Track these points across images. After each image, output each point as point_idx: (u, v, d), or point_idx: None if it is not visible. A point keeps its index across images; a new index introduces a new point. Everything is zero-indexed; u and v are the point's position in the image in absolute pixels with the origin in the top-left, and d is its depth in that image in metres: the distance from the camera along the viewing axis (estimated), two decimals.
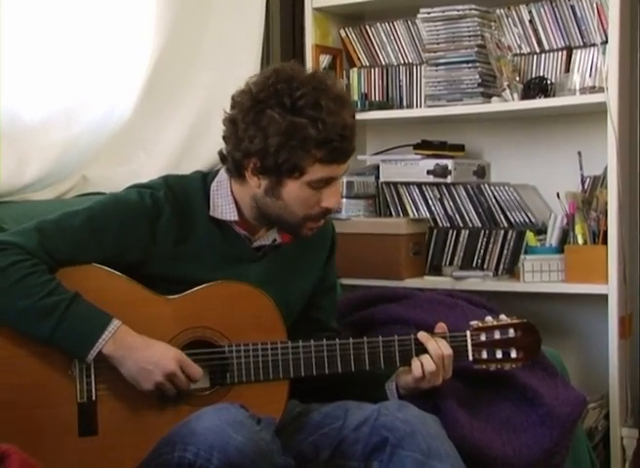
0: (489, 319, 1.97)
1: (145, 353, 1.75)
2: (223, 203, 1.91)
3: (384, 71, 3.16)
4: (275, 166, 1.81)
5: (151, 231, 1.85)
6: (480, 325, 1.95)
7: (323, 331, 2.04)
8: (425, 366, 1.87)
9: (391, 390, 1.94)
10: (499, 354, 1.94)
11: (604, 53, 2.68)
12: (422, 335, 1.91)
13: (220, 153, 1.93)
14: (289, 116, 1.78)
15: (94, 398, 1.76)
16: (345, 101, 1.86)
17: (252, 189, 1.88)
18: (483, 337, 1.94)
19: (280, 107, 1.79)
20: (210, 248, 1.90)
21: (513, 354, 1.95)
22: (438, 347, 1.89)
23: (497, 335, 1.95)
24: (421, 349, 1.90)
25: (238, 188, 1.91)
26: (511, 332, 1.95)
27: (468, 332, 1.94)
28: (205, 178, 1.95)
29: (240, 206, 1.92)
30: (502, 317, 1.98)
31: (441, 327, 1.96)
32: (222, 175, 1.94)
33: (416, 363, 1.88)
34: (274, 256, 1.97)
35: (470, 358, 1.93)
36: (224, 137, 1.89)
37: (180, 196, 1.90)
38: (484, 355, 1.94)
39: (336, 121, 1.79)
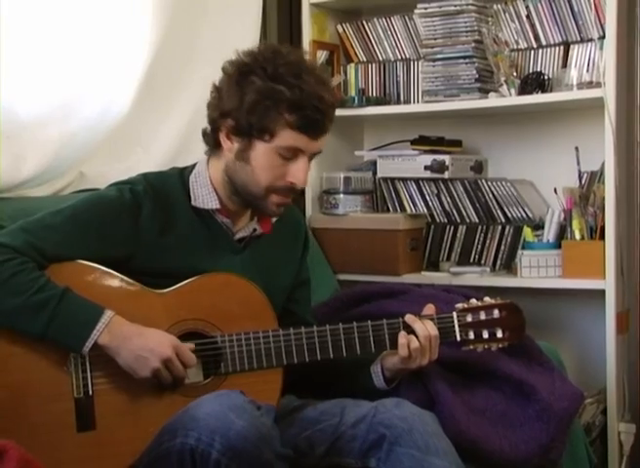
0: (473, 301, 2.01)
1: (141, 341, 1.76)
2: (204, 192, 1.94)
3: (382, 67, 3.16)
4: (248, 125, 1.85)
5: (134, 225, 1.87)
6: (466, 306, 2.00)
7: (299, 325, 2.04)
8: (411, 344, 1.89)
9: (376, 373, 1.97)
10: (485, 334, 1.98)
11: (601, 48, 2.68)
12: (409, 317, 1.94)
13: (203, 130, 1.98)
14: (269, 81, 1.83)
15: (90, 393, 1.77)
16: (327, 83, 1.91)
17: (224, 160, 1.91)
18: (469, 318, 1.98)
19: (262, 72, 1.84)
20: (193, 238, 1.92)
21: (499, 334, 1.99)
22: (425, 328, 1.92)
23: (482, 316, 1.99)
24: (410, 331, 1.92)
25: (214, 169, 1.95)
26: (496, 313, 2.00)
27: (455, 314, 1.97)
28: (182, 172, 1.99)
29: (219, 194, 1.94)
30: (487, 299, 2.03)
31: (430, 308, 1.99)
32: (200, 166, 1.98)
33: (402, 341, 1.90)
34: (255, 248, 2.00)
35: (458, 338, 1.97)
36: (208, 105, 1.95)
37: (160, 190, 1.92)
38: (471, 335, 1.98)
39: (313, 91, 1.83)
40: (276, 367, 1.87)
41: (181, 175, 1.98)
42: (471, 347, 1.99)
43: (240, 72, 1.87)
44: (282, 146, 1.85)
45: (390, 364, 1.96)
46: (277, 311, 1.99)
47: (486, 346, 1.99)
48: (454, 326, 1.97)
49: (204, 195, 1.94)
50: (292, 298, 2.11)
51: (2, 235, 1.81)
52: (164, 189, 1.93)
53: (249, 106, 1.84)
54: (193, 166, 2.00)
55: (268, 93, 1.83)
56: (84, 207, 1.88)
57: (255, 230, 1.98)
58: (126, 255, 1.86)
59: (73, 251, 1.82)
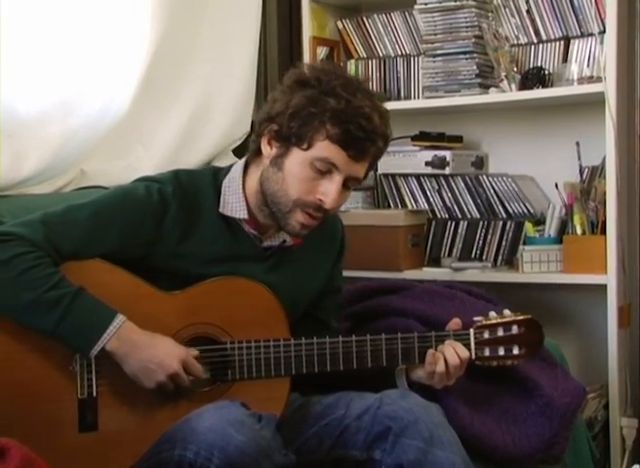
0: (492, 315, 1.95)
1: (149, 352, 1.74)
2: (234, 200, 1.89)
3: (382, 63, 3.15)
4: (288, 130, 1.79)
5: (157, 227, 1.83)
6: (484, 322, 1.93)
7: (322, 331, 2.01)
8: (437, 368, 1.86)
9: (402, 384, 1.93)
10: (501, 351, 1.92)
11: (602, 42, 2.68)
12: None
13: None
14: (321, 93, 1.79)
15: (94, 394, 1.76)
16: (382, 111, 1.86)
17: (261, 167, 1.87)
18: (486, 335, 1.92)
19: (317, 83, 1.80)
20: (215, 245, 1.88)
21: (515, 350, 1.93)
22: (455, 355, 1.87)
23: (500, 333, 1.92)
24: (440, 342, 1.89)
25: (250, 177, 1.90)
26: (515, 329, 1.93)
27: (472, 331, 1.92)
28: (216, 174, 1.93)
29: (250, 204, 1.89)
30: (506, 312, 1.96)
31: (456, 323, 1.93)
32: (235, 171, 1.92)
33: (429, 360, 1.87)
34: (281, 257, 1.95)
35: (473, 356, 1.91)
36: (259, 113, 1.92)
37: (190, 191, 1.88)
38: (486, 353, 1.92)
39: (362, 108, 1.78)
40: (284, 376, 1.85)
41: (215, 178, 1.92)
42: (485, 363, 1.93)
43: (296, 81, 1.83)
44: (317, 157, 1.78)
45: (416, 377, 1.93)
46: (295, 318, 1.96)
47: (500, 363, 1.93)
48: (469, 344, 1.91)
49: (233, 203, 1.88)
50: (321, 306, 2.06)
51: (21, 225, 1.78)
52: (194, 191, 1.88)
53: (293, 110, 1.79)
54: (229, 168, 1.94)
55: (315, 101, 1.78)
56: (109, 204, 1.84)
57: (284, 241, 1.93)
58: (143, 255, 1.83)
59: (91, 248, 1.79)
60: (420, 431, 1.75)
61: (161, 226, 1.84)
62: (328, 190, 1.80)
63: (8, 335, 1.73)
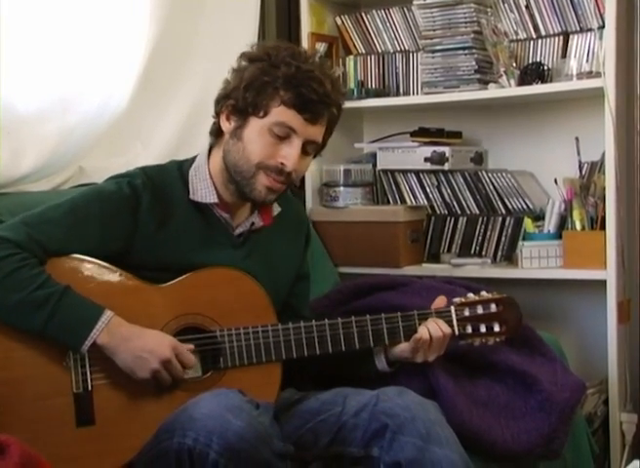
0: (470, 295, 2.03)
1: (140, 342, 1.76)
2: (203, 186, 1.93)
3: (381, 59, 3.15)
4: (244, 102, 1.86)
5: (133, 219, 1.87)
6: (463, 300, 2.01)
7: (296, 319, 2.04)
8: (422, 337, 1.92)
9: (379, 356, 1.99)
10: (482, 328, 1.99)
11: (601, 38, 2.68)
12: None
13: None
14: (270, 65, 1.86)
15: (90, 388, 1.77)
16: (332, 77, 1.91)
17: (223, 146, 1.92)
18: (467, 312, 1.99)
19: (267, 57, 1.87)
20: (191, 233, 1.92)
21: (496, 328, 2.00)
22: (438, 328, 1.94)
23: (479, 310, 2.00)
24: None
25: (214, 160, 1.95)
26: (493, 307, 2.01)
27: (453, 308, 1.98)
28: (181, 166, 1.98)
29: (217, 185, 1.94)
30: (483, 293, 2.03)
31: (442, 299, 2.02)
32: (200, 159, 1.98)
33: (424, 332, 1.93)
34: (256, 242, 1.99)
35: (456, 332, 1.97)
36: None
37: (159, 183, 1.92)
38: (469, 329, 1.99)
39: (312, 72, 1.85)
40: (275, 361, 1.88)
41: (180, 169, 1.97)
42: (469, 341, 1.99)
43: (247, 59, 1.91)
44: (275, 122, 1.85)
45: (398, 351, 1.97)
46: (279, 304, 2.00)
47: (483, 340, 2.00)
48: (452, 320, 1.98)
49: (202, 189, 1.93)
50: (291, 292, 2.11)
51: (4, 229, 1.80)
52: (162, 183, 1.93)
53: (246, 83, 1.86)
54: (193, 159, 2.00)
55: (267, 71, 1.85)
56: (83, 201, 1.87)
57: (253, 224, 1.98)
58: (124, 249, 1.86)
59: (73, 245, 1.82)
60: (417, 428, 1.76)
61: (137, 217, 1.87)
62: (288, 153, 1.86)
63: (1, 334, 1.73)
